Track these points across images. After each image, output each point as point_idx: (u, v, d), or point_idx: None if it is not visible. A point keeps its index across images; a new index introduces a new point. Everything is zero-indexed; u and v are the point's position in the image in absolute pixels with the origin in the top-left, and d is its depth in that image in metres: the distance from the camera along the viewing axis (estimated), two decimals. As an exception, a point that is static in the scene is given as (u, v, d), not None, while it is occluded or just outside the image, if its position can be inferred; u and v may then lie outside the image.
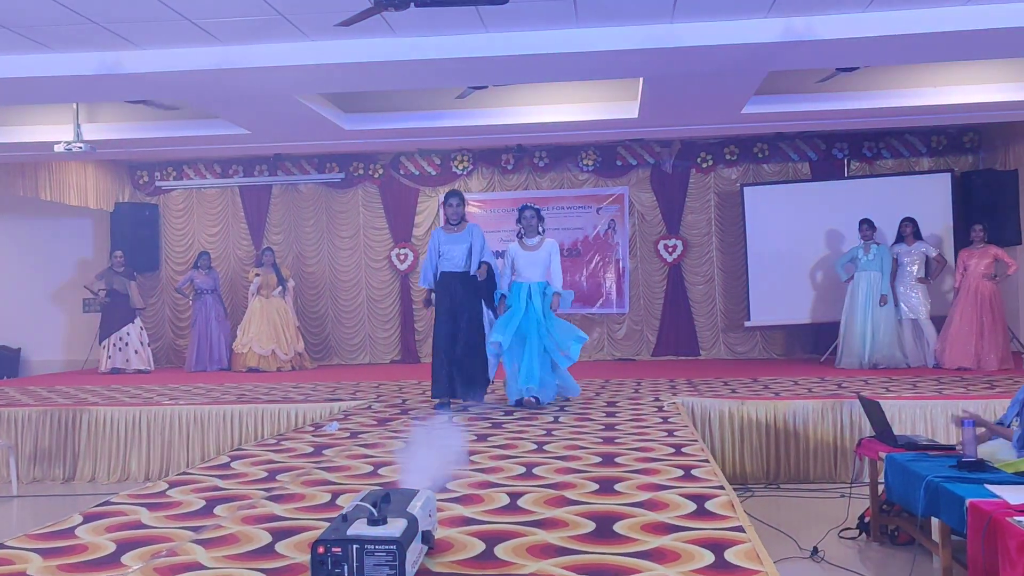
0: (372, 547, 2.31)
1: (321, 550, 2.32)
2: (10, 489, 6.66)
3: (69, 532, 2.99)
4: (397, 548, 2.31)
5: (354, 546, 2.31)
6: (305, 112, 7.85)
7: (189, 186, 11.62)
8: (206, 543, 2.82)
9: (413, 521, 2.49)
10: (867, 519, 4.93)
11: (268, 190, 11.55)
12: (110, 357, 10.17)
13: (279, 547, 2.78)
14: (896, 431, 5.60)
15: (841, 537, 4.91)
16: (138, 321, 10.47)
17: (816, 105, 8.25)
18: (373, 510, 2.43)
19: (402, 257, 11.30)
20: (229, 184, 11.57)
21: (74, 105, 8.13)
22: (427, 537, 2.57)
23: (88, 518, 3.18)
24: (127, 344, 10.24)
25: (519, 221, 6.53)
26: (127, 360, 10.20)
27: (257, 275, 10.50)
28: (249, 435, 6.86)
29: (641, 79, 7.25)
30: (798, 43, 5.89)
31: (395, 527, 2.39)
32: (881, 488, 4.72)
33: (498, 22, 5.84)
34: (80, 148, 7.96)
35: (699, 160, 10.84)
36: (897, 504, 4.46)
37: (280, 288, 10.45)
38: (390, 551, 2.30)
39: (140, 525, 3.09)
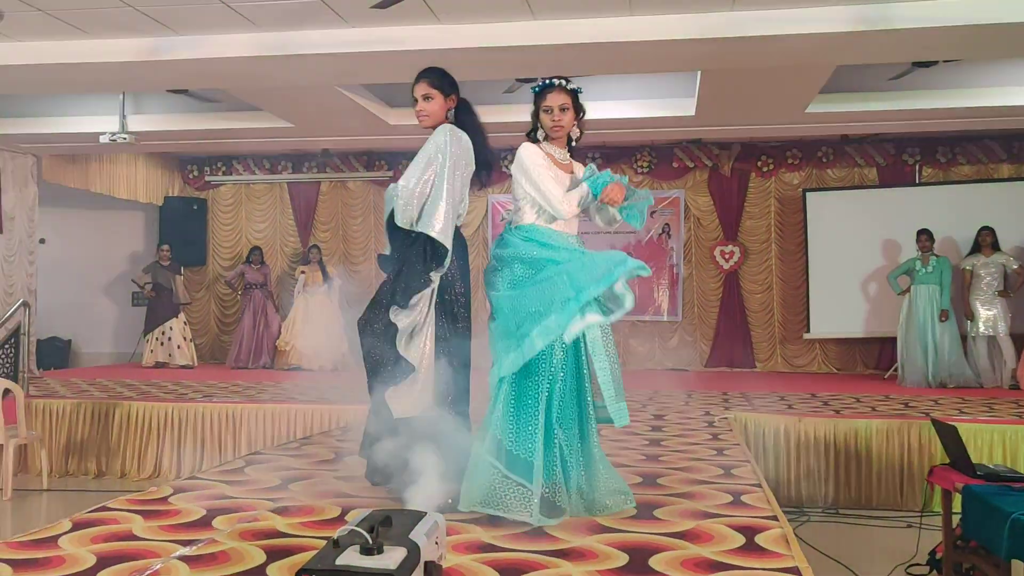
0: (363, 580, 2.01)
1: (305, 580, 2.04)
2: (40, 482, 6.55)
3: (52, 541, 2.75)
4: (391, 583, 2.00)
5: (342, 578, 2.02)
6: (348, 105, 7.64)
7: (238, 181, 11.57)
8: (192, 560, 2.55)
9: (414, 550, 2.17)
10: (939, 555, 4.45)
11: (316, 187, 11.42)
12: (152, 351, 10.12)
13: (271, 569, 2.49)
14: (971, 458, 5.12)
15: (909, 574, 4.45)
16: (182, 316, 10.40)
17: (886, 105, 7.75)
18: (368, 536, 2.12)
19: (449, 257, 11.04)
20: (278, 180, 11.48)
21: (120, 96, 8.05)
22: (431, 569, 2.25)
23: (77, 525, 2.94)
24: (170, 339, 10.16)
25: (535, 115, 3.39)
26: (170, 355, 10.12)
27: (303, 272, 10.36)
28: (280, 435, 6.64)
29: (699, 73, 6.86)
30: (872, 32, 5.43)
31: (391, 558, 2.07)
32: (956, 521, 4.26)
33: (546, 9, 5.52)
34: (124, 139, 7.89)
35: (759, 164, 10.35)
36: (974, 541, 4.00)
37: (325, 286, 10.27)
38: (383, 585, 2.00)
39: (130, 536, 2.84)
